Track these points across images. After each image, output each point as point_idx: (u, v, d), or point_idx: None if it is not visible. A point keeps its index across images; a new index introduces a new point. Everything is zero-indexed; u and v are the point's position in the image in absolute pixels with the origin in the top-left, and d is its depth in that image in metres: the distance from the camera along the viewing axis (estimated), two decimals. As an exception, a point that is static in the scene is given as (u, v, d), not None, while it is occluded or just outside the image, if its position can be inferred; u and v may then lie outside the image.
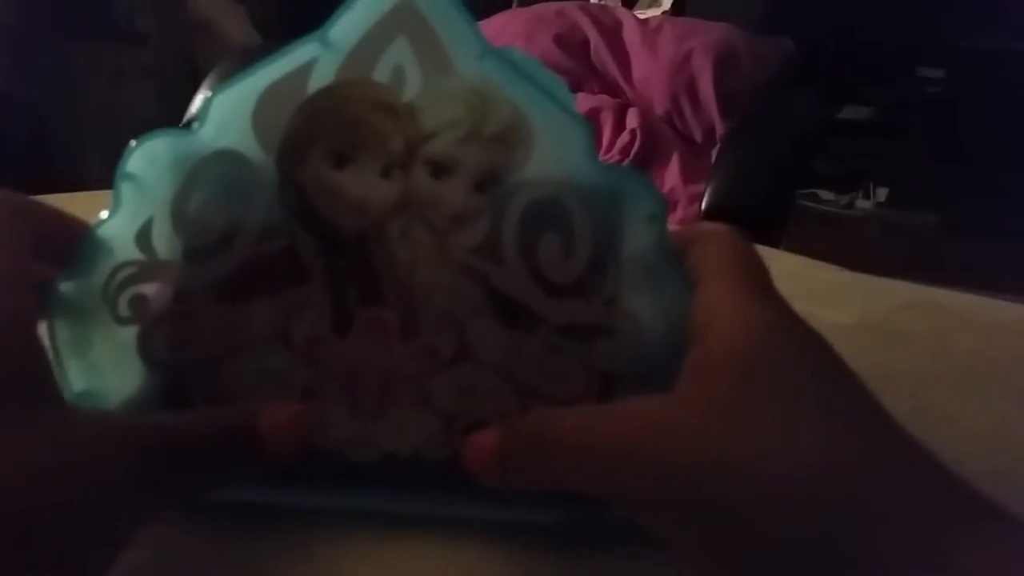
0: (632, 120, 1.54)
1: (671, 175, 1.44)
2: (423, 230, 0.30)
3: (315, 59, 0.30)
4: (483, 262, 0.30)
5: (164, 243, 0.30)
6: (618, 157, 1.48)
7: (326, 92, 0.30)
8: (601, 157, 0.32)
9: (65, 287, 0.29)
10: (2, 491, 0.22)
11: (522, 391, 0.30)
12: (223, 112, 0.30)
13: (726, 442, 0.24)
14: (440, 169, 0.30)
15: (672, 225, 0.31)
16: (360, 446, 0.30)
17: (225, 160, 0.30)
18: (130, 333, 0.29)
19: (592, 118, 1.55)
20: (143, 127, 0.30)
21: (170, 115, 1.39)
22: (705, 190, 1.22)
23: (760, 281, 0.29)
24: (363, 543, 0.30)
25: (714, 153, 1.47)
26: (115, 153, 0.30)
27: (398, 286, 0.30)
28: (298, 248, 0.30)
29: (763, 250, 0.33)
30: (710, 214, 1.16)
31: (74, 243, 0.29)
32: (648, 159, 1.48)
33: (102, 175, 0.30)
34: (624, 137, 1.51)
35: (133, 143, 0.30)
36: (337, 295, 0.30)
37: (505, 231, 0.30)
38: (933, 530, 0.22)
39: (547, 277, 0.30)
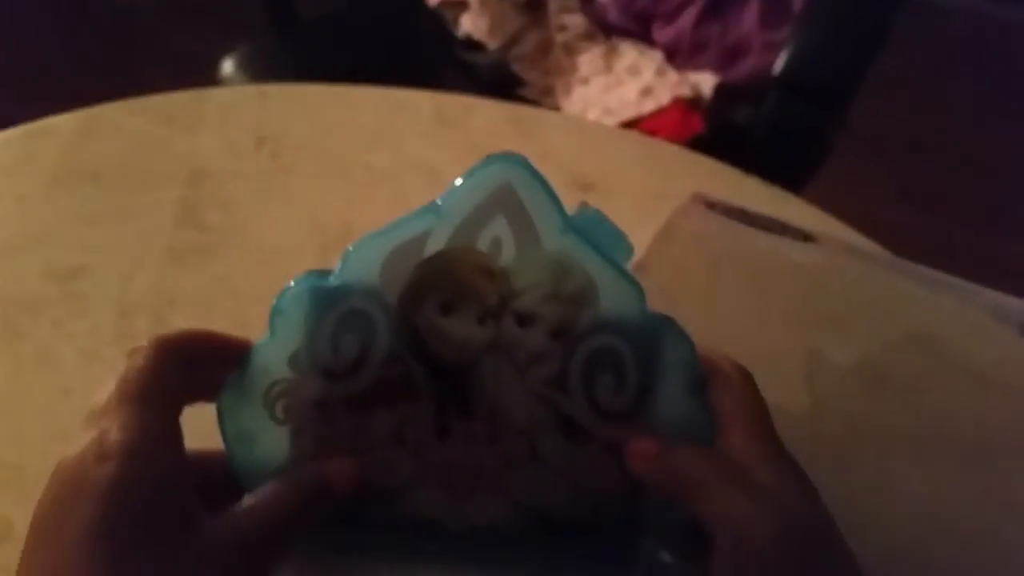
0: (716, -55, 1.49)
1: (749, 17, 1.42)
2: (508, 365, 0.39)
3: (431, 228, 0.37)
4: (553, 392, 0.39)
5: (309, 365, 0.39)
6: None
7: (439, 256, 0.38)
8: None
9: (232, 393, 0.38)
10: None
11: (576, 487, 0.40)
12: (356, 266, 0.38)
13: None
14: (525, 320, 0.38)
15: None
16: (452, 518, 0.41)
17: (357, 304, 0.38)
18: (284, 431, 0.39)
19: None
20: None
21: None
22: (782, 46, 1.22)
23: (770, 435, 0.37)
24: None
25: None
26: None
27: (487, 406, 0.39)
28: (412, 373, 0.39)
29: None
30: (781, 80, 1.17)
31: (233, 355, 0.38)
32: (727, -5, 1.45)
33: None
34: (704, -35, 1.47)
35: (286, 286, 0.38)
36: (440, 410, 0.39)
37: (572, 369, 0.39)
38: None
39: (602, 406, 0.39)
